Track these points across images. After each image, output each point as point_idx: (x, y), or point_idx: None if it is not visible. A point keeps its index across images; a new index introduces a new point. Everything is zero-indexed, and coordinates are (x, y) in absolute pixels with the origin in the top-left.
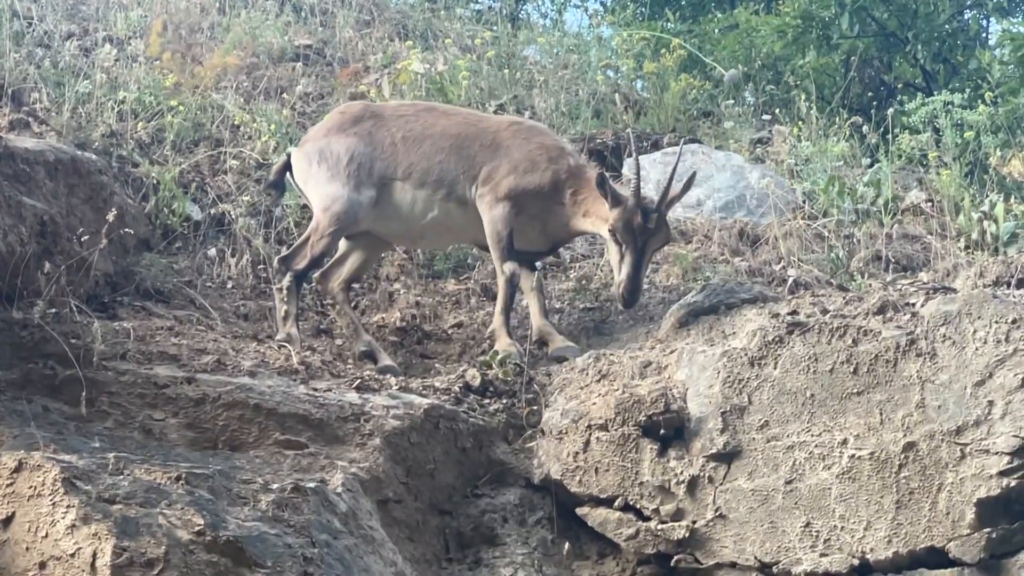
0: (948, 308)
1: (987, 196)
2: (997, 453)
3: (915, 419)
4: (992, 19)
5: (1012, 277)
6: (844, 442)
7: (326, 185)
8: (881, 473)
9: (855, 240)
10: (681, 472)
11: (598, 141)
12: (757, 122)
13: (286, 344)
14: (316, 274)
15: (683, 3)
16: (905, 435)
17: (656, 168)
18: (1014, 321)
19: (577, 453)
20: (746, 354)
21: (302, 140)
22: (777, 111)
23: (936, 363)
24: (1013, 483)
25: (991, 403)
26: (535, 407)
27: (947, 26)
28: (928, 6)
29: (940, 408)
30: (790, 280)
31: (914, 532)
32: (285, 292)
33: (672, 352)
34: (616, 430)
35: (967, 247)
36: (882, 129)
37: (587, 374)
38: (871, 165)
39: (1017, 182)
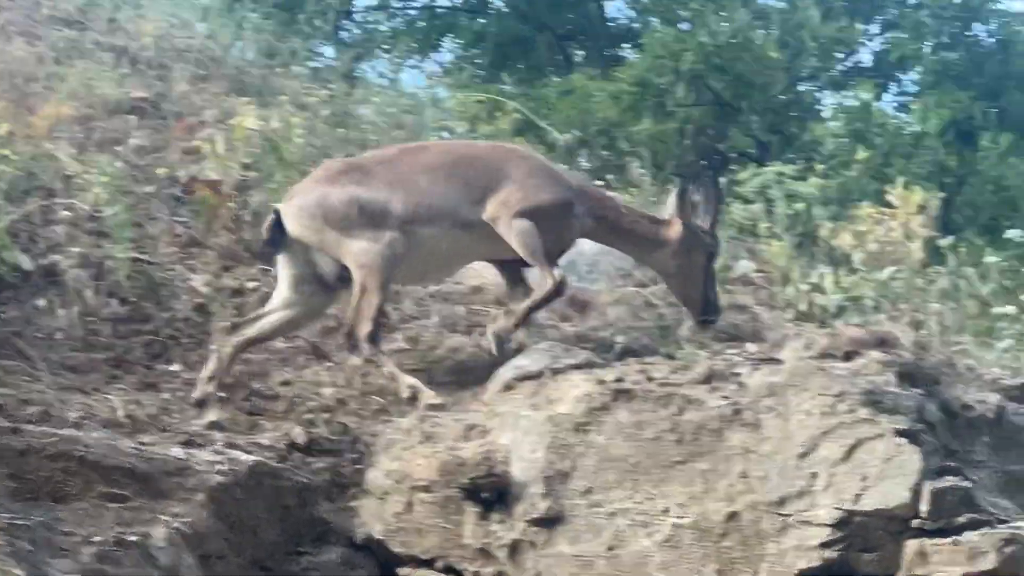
0: (774, 379)
1: (816, 268)
2: (819, 525)
3: (738, 489)
4: (826, 92)
5: (839, 350)
6: (667, 510)
7: (358, 233)
8: (703, 542)
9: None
10: (503, 536)
11: None
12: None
13: (415, 387)
14: (222, 324)
15: (520, 66)
16: (728, 505)
17: None
18: (839, 394)
19: (400, 513)
20: (571, 420)
21: (287, 199)
22: (611, 176)
23: (761, 434)
24: (835, 555)
25: (814, 475)
26: (359, 466)
27: (782, 97)
28: (763, 77)
29: (763, 479)
30: (618, 347)
31: None
32: (375, 359)
33: (497, 416)
34: (439, 492)
35: (795, 318)
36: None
37: (412, 435)
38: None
39: (846, 255)
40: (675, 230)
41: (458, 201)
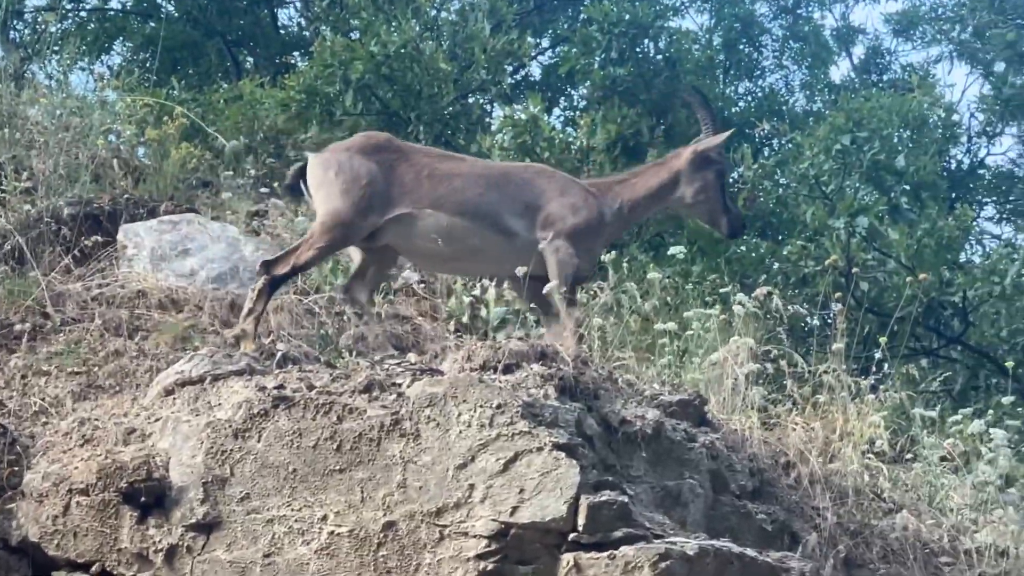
0: (434, 390)
1: (479, 281)
2: (476, 536)
3: (396, 499)
4: (495, 104)
5: (499, 362)
6: (324, 518)
7: (336, 200)
8: (360, 551)
9: (345, 318)
10: (160, 540)
11: (95, 205)
12: (256, 194)
13: (239, 337)
14: (342, 294)
15: (190, 72)
16: (385, 514)
17: (152, 235)
18: (498, 406)
19: (57, 516)
20: (231, 426)
21: (324, 149)
22: (277, 184)
23: (420, 444)
24: (490, 567)
25: (472, 486)
26: (16, 468)
27: (450, 109)
28: (432, 88)
29: (421, 489)
30: (279, 354)
31: None
32: (256, 293)
33: (157, 420)
34: (97, 495)
35: (457, 330)
36: None
37: (71, 438)
38: None
39: None
40: (682, 158)
41: (498, 208)
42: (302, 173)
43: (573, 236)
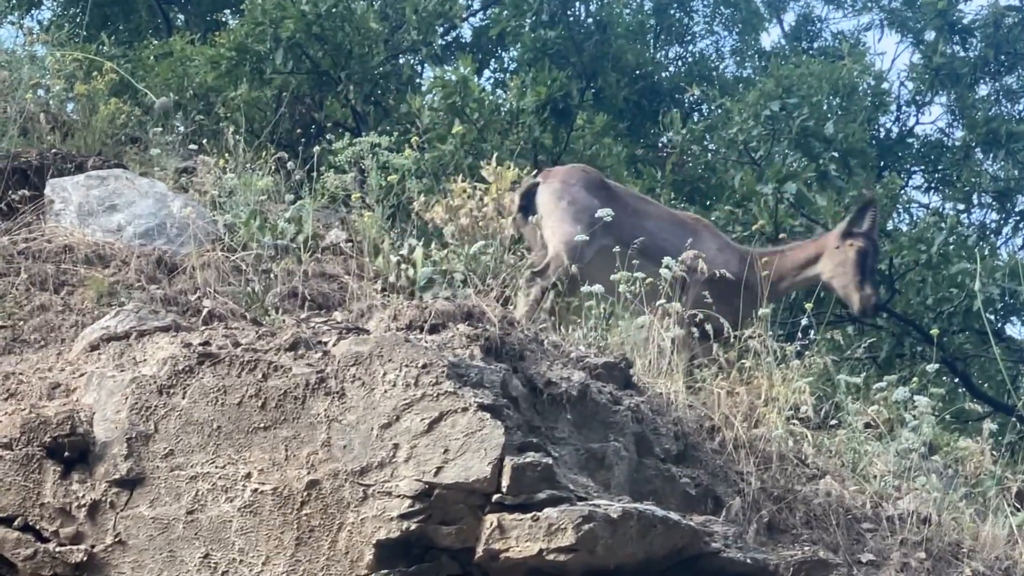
0: (360, 349)
1: (407, 240)
2: (399, 496)
3: (320, 457)
4: (425, 65)
5: (426, 322)
6: (248, 476)
7: (569, 225)
8: (283, 509)
9: (272, 275)
10: (83, 496)
11: (22, 160)
12: (184, 151)
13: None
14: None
15: (120, 27)
16: (309, 473)
17: (79, 190)
18: (424, 366)
19: None
20: (155, 382)
21: (548, 175)
22: (206, 142)
23: (345, 403)
24: (413, 526)
25: (396, 446)
26: None
27: (380, 69)
28: (363, 48)
29: (346, 448)
30: (205, 311)
31: (312, 570)
32: (532, 297)
33: (82, 375)
34: (20, 450)
35: (384, 289)
36: (308, 167)
37: None
38: (295, 201)
39: (438, 228)
40: (829, 239)
41: (673, 249)
42: (531, 194)
43: (710, 283)
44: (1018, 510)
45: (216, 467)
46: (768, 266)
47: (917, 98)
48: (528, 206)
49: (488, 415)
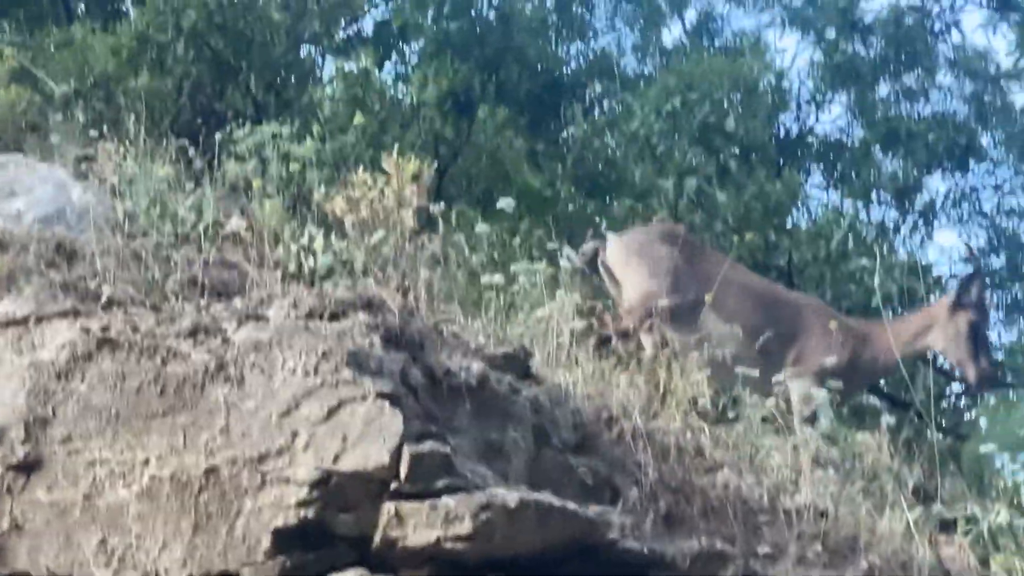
0: (260, 336)
1: (308, 229)
2: (297, 483)
3: (219, 444)
4: (327, 57)
5: (326, 310)
6: (146, 461)
7: (646, 279)
8: (181, 495)
9: (173, 262)
10: None
11: None
12: (85, 139)
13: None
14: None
15: (20, 15)
16: (207, 459)
17: None
18: (324, 354)
19: None
20: (54, 366)
21: (626, 233)
22: (106, 129)
23: (244, 390)
24: (311, 514)
25: (295, 433)
26: None
27: (282, 59)
28: (265, 38)
29: (244, 435)
30: (104, 297)
31: (209, 556)
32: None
33: None
34: None
35: (284, 278)
36: (209, 156)
37: None
38: (195, 190)
39: (339, 218)
40: (939, 309)
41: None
42: (597, 251)
43: (821, 375)
44: (915, 505)
45: (114, 452)
46: (882, 342)
47: (817, 96)
48: (593, 264)
49: (387, 403)
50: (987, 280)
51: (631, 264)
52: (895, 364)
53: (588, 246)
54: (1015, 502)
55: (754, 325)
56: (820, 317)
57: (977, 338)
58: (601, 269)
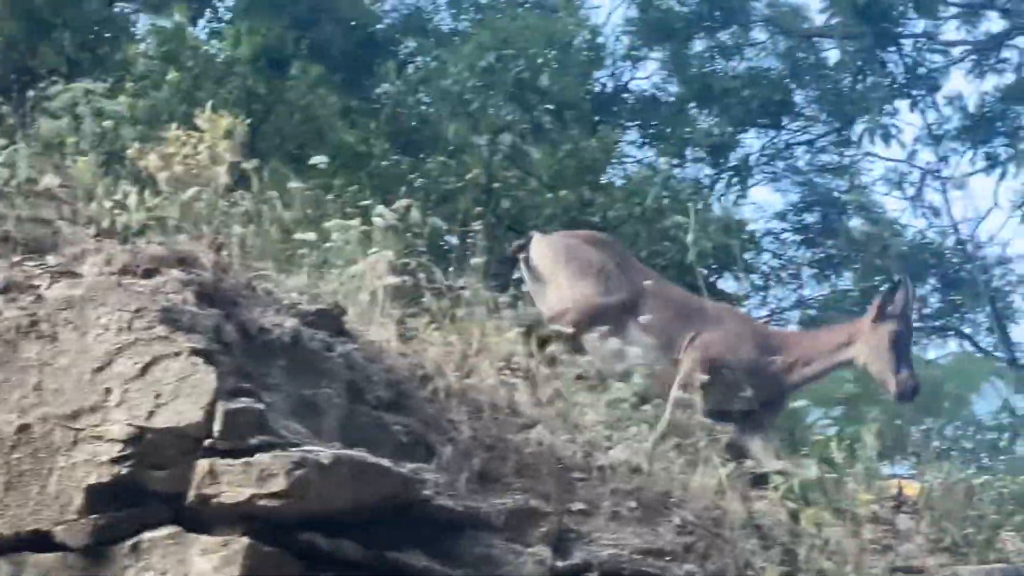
0: (72, 293)
1: (121, 186)
2: (111, 440)
3: (31, 401)
4: (141, 14)
5: (139, 267)
6: None
7: (577, 280)
8: None
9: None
10: None
11: None
12: None
13: None
14: None
15: None
16: (20, 417)
17: None
18: (137, 311)
19: None
20: None
21: (553, 234)
22: None
23: (57, 347)
24: (124, 471)
25: (108, 390)
26: None
27: (96, 15)
28: None
29: (57, 392)
30: None
31: (21, 514)
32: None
33: None
34: None
35: (97, 235)
36: (22, 112)
37: None
38: (8, 147)
39: (152, 175)
40: (862, 323)
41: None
42: (523, 249)
43: (711, 364)
44: (727, 461)
45: None
46: (799, 351)
47: (632, 53)
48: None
49: (201, 360)
50: (913, 290)
51: (560, 263)
52: (813, 375)
53: (516, 244)
54: (825, 457)
55: (671, 336)
56: (734, 320)
57: (899, 350)
58: (523, 266)
